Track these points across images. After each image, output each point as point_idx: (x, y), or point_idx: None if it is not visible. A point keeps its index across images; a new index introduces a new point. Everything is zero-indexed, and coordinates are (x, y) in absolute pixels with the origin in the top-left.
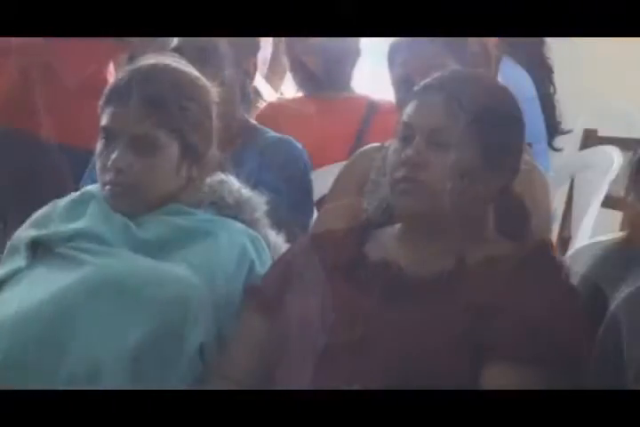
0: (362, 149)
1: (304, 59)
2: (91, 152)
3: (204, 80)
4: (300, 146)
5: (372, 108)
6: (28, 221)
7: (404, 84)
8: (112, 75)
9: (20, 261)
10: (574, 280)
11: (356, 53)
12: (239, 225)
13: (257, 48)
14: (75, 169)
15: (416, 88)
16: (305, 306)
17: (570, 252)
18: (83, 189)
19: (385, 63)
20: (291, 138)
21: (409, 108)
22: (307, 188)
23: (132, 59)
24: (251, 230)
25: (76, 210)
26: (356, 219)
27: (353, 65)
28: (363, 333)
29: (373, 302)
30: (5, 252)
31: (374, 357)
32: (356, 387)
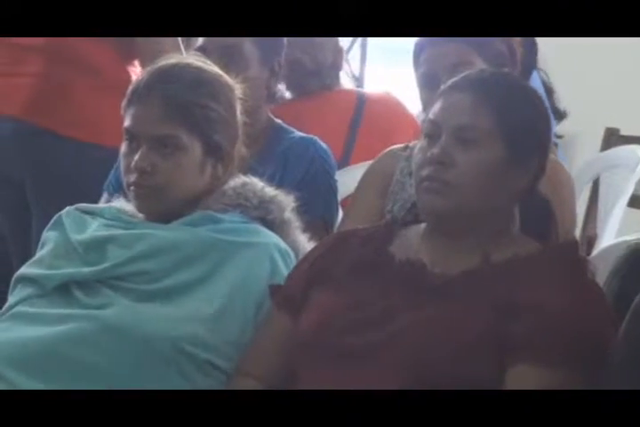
0: (387, 149)
1: (298, 58)
2: (116, 151)
3: (226, 77)
4: (324, 145)
5: (362, 97)
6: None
7: (429, 83)
8: (137, 74)
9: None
10: (600, 280)
11: (342, 51)
12: (267, 239)
13: (282, 48)
14: (101, 168)
15: (442, 87)
16: (329, 305)
17: (595, 251)
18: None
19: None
20: (315, 137)
21: (435, 107)
22: (331, 187)
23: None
24: (281, 243)
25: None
26: (381, 218)
27: (341, 63)
28: (387, 332)
29: (397, 301)
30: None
31: (398, 356)
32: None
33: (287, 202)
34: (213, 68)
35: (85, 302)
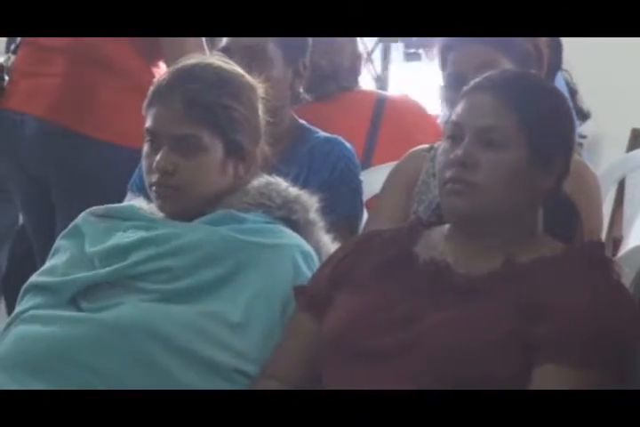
0: (412, 150)
1: (316, 61)
2: (139, 151)
3: (247, 77)
4: (348, 145)
5: (382, 98)
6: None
7: (456, 83)
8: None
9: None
10: (626, 281)
11: (360, 56)
12: (290, 241)
13: (307, 48)
14: (125, 168)
15: (465, 88)
16: (354, 306)
17: (621, 253)
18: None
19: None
20: (340, 138)
21: (458, 108)
22: (356, 188)
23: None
24: (304, 244)
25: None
26: (407, 219)
27: (359, 67)
28: (413, 332)
29: (423, 301)
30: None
31: (424, 357)
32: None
33: (311, 202)
34: (235, 67)
35: (99, 304)
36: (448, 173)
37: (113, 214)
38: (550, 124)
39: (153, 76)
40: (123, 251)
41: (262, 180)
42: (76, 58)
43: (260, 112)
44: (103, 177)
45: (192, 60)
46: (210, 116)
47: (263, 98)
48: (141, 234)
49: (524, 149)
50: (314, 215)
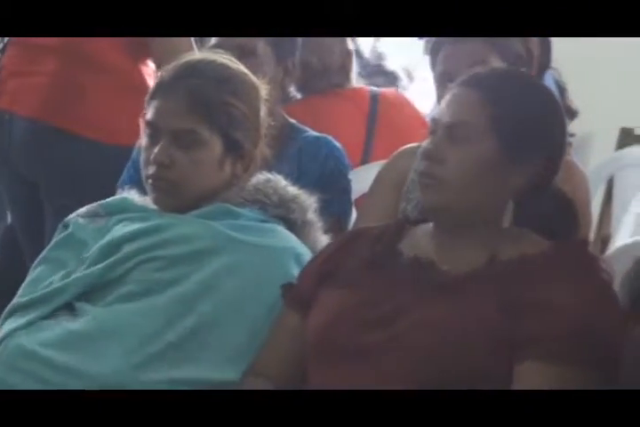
0: (402, 148)
1: (307, 59)
2: (129, 150)
3: (251, 76)
4: (338, 145)
5: (374, 92)
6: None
7: (446, 81)
8: (150, 74)
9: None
10: (616, 279)
11: (350, 53)
12: (283, 243)
13: (296, 48)
14: (114, 167)
15: (451, 84)
16: (339, 303)
17: (610, 251)
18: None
19: None
20: (329, 137)
21: (439, 104)
22: (345, 187)
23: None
24: (298, 247)
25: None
26: (396, 217)
27: (350, 65)
28: (396, 330)
29: (406, 299)
30: None
31: (406, 355)
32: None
33: (310, 202)
34: (239, 66)
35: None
36: (420, 168)
37: (105, 210)
38: (529, 121)
39: (141, 75)
40: (116, 245)
41: (262, 177)
42: (64, 57)
43: (263, 113)
44: (93, 176)
45: (197, 55)
46: (211, 111)
47: (267, 100)
48: (136, 226)
49: (492, 144)
50: (312, 216)
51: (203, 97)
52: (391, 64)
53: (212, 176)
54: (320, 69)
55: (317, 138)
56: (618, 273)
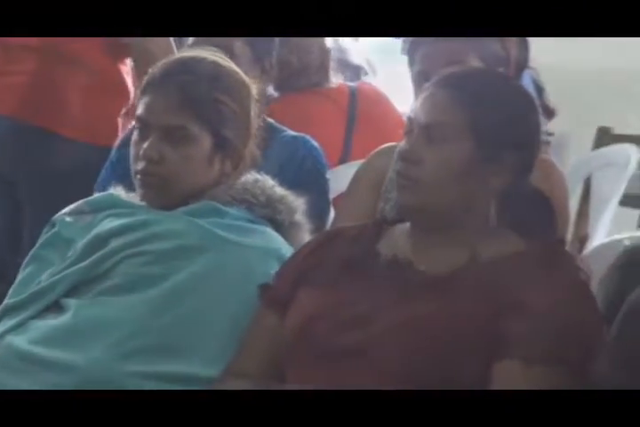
0: (380, 148)
1: (286, 58)
2: (108, 150)
3: (242, 75)
4: (316, 144)
5: (352, 88)
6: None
7: (424, 81)
8: (129, 73)
9: None
10: (594, 278)
11: (329, 52)
12: (268, 244)
13: (273, 47)
14: (94, 166)
15: (426, 84)
16: (316, 303)
17: (587, 250)
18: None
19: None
20: (306, 136)
21: (415, 104)
22: (323, 186)
23: None
24: (282, 248)
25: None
26: (373, 217)
27: (328, 63)
28: (374, 330)
29: (384, 299)
30: None
31: (386, 355)
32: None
33: (297, 204)
34: (230, 64)
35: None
36: (396, 168)
37: (91, 207)
38: (504, 121)
39: (120, 75)
40: (103, 239)
41: (250, 176)
42: (44, 57)
43: (253, 113)
44: (73, 175)
45: (189, 52)
46: (201, 108)
47: (257, 100)
48: (123, 221)
49: (469, 145)
50: (300, 217)
51: (193, 93)
52: (355, 58)
53: (200, 173)
54: (299, 68)
55: (295, 138)
56: (595, 272)
